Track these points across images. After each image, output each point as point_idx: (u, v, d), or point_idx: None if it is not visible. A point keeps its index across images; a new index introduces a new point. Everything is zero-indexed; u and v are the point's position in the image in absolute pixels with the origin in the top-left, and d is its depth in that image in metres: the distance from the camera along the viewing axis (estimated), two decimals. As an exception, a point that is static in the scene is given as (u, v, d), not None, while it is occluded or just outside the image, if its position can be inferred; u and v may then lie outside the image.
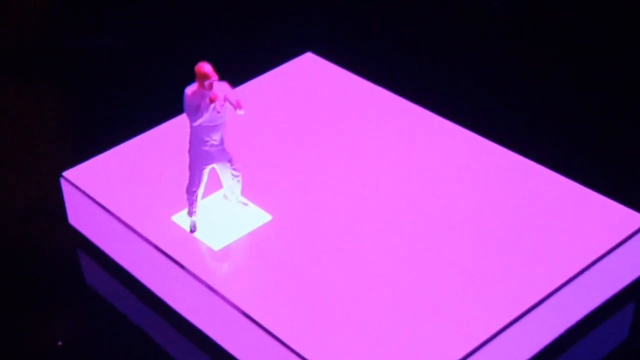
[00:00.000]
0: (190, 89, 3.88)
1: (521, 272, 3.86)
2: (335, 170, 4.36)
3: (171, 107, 4.50)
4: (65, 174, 4.44)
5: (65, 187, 4.46)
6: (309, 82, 4.80)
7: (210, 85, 3.85)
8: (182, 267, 3.98)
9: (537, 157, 4.34)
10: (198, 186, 4.04)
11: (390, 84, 4.70)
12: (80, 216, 4.48)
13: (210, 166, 4.03)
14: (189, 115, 3.88)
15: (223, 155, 4.03)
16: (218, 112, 3.86)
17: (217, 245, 4.02)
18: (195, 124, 3.89)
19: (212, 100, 3.84)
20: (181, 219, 4.13)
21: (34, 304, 4.19)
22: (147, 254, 4.10)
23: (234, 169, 4.06)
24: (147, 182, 4.33)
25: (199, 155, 3.99)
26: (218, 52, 5.12)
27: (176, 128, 4.57)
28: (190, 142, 4.00)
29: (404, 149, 4.43)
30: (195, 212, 4.10)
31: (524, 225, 4.07)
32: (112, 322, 4.12)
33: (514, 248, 3.96)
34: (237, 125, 4.28)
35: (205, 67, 3.85)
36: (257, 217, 4.13)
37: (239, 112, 3.89)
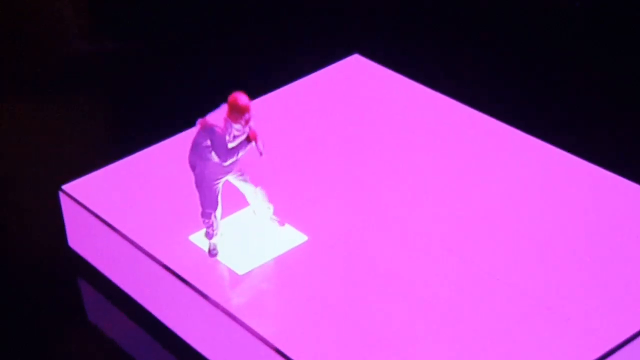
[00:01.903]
0: (219, 124, 3.53)
1: (607, 305, 3.48)
2: (386, 182, 4.07)
3: (184, 116, 4.15)
4: (65, 187, 4.14)
5: (64, 203, 4.15)
6: (356, 84, 4.61)
7: (247, 121, 3.52)
8: (201, 293, 3.64)
9: (620, 171, 4.05)
10: (215, 206, 3.69)
11: (442, 86, 4.56)
12: (81, 237, 4.17)
13: (222, 180, 3.68)
14: (220, 155, 3.55)
15: (236, 168, 3.69)
16: (261, 154, 3.58)
17: (241, 269, 3.69)
18: (227, 163, 3.57)
19: (250, 139, 3.56)
20: (200, 239, 3.83)
21: (25, 346, 3.90)
22: (159, 279, 3.79)
23: (245, 179, 3.74)
24: (158, 197, 4.06)
25: (207, 173, 3.65)
26: (260, 56, 5.14)
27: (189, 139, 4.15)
28: (195, 158, 3.64)
29: (464, 157, 4.16)
30: (215, 234, 3.76)
31: (607, 246, 3.71)
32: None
33: (596, 273, 3.61)
34: (276, 131, 4.08)
35: (243, 99, 3.50)
36: (290, 237, 3.80)
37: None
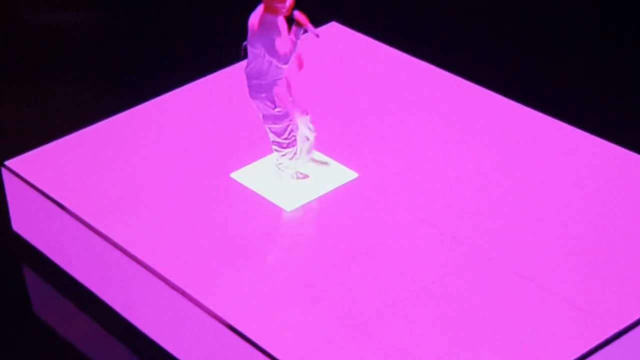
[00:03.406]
0: (263, 19, 3.36)
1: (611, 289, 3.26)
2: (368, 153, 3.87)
3: (137, 91, 4.19)
4: (8, 163, 3.90)
5: (7, 181, 3.91)
6: (336, 52, 4.45)
7: (291, 6, 3.34)
8: (162, 278, 3.36)
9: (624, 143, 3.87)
10: (296, 131, 3.57)
11: (422, 54, 4.45)
12: (26, 219, 3.93)
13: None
14: (277, 53, 3.35)
15: (294, 107, 3.56)
16: (317, 36, 3.36)
17: (289, 206, 3.59)
18: (287, 65, 3.38)
19: (300, 24, 3.34)
20: (243, 175, 3.72)
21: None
22: (114, 263, 3.53)
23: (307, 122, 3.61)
24: (110, 174, 3.82)
25: (282, 99, 3.50)
26: (231, 26, 4.74)
27: (146, 113, 4.13)
28: (265, 90, 3.47)
29: (451, 125, 3.98)
30: (297, 156, 3.63)
31: (613, 225, 3.48)
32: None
33: (598, 254, 3.38)
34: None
35: None
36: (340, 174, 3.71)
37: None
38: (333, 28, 4.59)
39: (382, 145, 3.84)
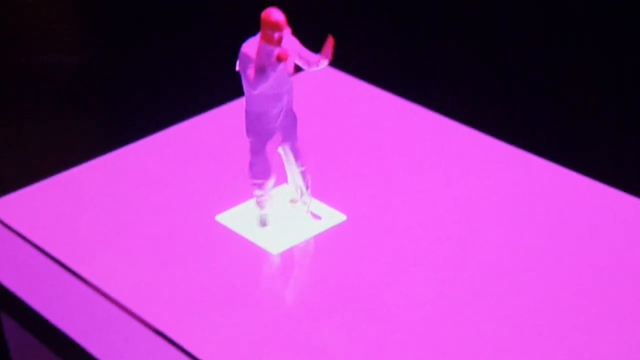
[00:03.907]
0: (249, 45, 3.34)
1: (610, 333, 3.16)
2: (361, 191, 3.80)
3: (121, 133, 4.21)
4: None
5: None
6: (327, 94, 4.43)
7: (280, 40, 3.29)
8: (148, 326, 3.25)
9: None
10: (269, 173, 3.50)
11: (409, 93, 4.42)
12: (6, 265, 3.74)
13: (276, 147, 3.50)
14: (247, 80, 3.35)
15: (290, 133, 3.50)
16: (290, 75, 3.35)
17: (276, 249, 3.51)
18: (257, 91, 3.35)
19: (281, 59, 3.28)
20: (228, 218, 3.63)
21: None
22: (101, 312, 3.38)
23: (301, 154, 3.54)
24: (89, 217, 3.72)
25: (263, 134, 3.45)
26: (216, 69, 4.91)
27: (130, 155, 4.07)
28: (247, 119, 3.46)
29: (449, 170, 3.92)
30: (266, 203, 3.57)
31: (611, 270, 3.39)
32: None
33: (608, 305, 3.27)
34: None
35: (276, 14, 3.30)
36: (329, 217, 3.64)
37: (322, 63, 3.39)
38: (325, 71, 4.55)
39: (371, 188, 3.76)
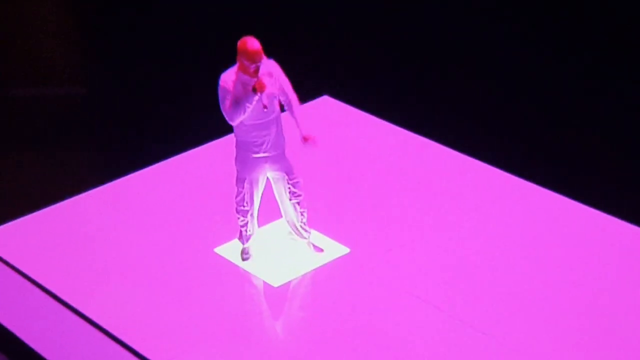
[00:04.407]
0: (226, 76, 3.26)
1: None
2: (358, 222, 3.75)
3: (117, 165, 4.14)
4: None
5: None
6: (328, 125, 4.39)
7: (257, 70, 3.21)
8: None
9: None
10: (251, 203, 3.42)
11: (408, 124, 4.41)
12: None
13: (263, 177, 3.41)
14: (225, 112, 3.26)
15: (278, 163, 3.39)
16: (265, 108, 3.25)
17: (276, 282, 3.44)
18: (235, 122, 3.28)
19: (256, 90, 3.21)
20: (227, 250, 3.56)
21: None
22: (98, 346, 3.31)
23: (292, 184, 3.41)
24: (91, 251, 3.66)
25: (247, 164, 3.37)
26: (210, 101, 4.59)
27: (127, 187, 4.04)
28: (235, 148, 3.40)
29: (452, 202, 3.87)
30: (249, 237, 3.49)
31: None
32: None
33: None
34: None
35: (253, 44, 3.20)
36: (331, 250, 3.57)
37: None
38: (325, 101, 4.53)
39: (374, 220, 3.70)
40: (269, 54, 3.36)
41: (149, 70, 5.35)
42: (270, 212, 3.61)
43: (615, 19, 5.49)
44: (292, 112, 3.33)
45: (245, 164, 3.35)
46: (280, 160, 3.36)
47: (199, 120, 4.64)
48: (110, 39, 5.65)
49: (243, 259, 3.47)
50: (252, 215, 3.42)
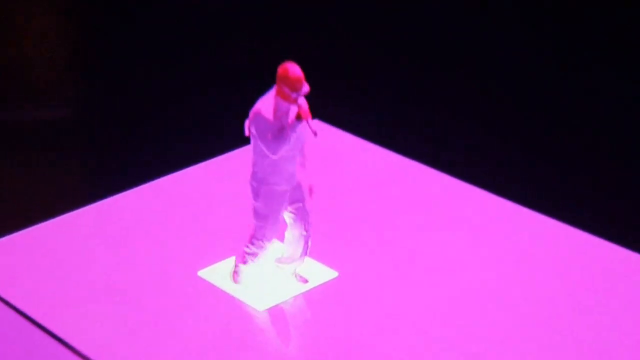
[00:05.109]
0: (263, 105, 3.11)
1: None
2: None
3: (100, 186, 4.08)
4: None
5: None
6: (319, 149, 4.23)
7: (298, 97, 3.08)
8: None
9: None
10: (271, 238, 3.28)
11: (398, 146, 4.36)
12: None
13: (287, 211, 3.28)
14: (267, 144, 3.10)
15: (299, 194, 3.26)
16: (315, 135, 3.10)
17: (261, 306, 3.36)
18: (278, 154, 3.11)
19: (300, 118, 3.08)
20: (211, 273, 3.48)
21: None
22: None
23: (304, 227, 3.30)
24: (72, 274, 3.58)
25: (274, 199, 3.20)
26: (200, 123, 4.80)
27: (110, 209, 3.96)
28: (256, 183, 3.22)
29: (443, 226, 3.84)
30: (252, 262, 3.35)
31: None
32: None
33: None
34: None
35: (295, 71, 3.06)
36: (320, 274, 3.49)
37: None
38: (316, 125, 4.44)
39: (364, 244, 3.65)
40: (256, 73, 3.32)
41: (132, 91, 5.33)
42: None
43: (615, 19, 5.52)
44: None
45: (272, 199, 3.20)
46: (299, 191, 3.25)
47: (181, 144, 4.61)
48: (92, 61, 5.64)
49: (235, 281, 3.37)
50: (268, 246, 3.29)
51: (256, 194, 3.22)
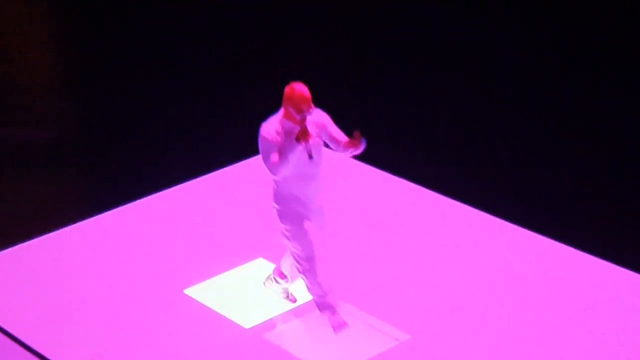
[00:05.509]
0: (268, 126, 3.02)
1: None
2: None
3: (87, 204, 4.10)
4: None
5: None
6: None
7: (303, 119, 2.97)
8: None
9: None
10: (312, 247, 3.08)
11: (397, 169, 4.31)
12: None
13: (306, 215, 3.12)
14: (268, 165, 3.01)
15: (319, 216, 3.14)
16: (310, 157, 2.99)
17: (248, 323, 3.34)
18: (278, 176, 3.01)
19: (301, 139, 2.97)
20: (197, 292, 3.47)
21: None
22: None
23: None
24: (56, 292, 3.57)
25: (296, 219, 3.09)
26: (193, 141, 4.77)
27: (96, 227, 3.95)
28: (279, 204, 3.12)
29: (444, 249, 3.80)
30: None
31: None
32: None
33: None
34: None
35: (300, 89, 2.98)
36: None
37: (350, 151, 3.04)
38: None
39: (358, 264, 3.62)
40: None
41: (123, 107, 5.33)
42: (245, 252, 3.57)
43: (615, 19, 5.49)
44: (343, 146, 3.09)
45: (295, 221, 3.09)
46: (320, 213, 3.15)
47: (168, 162, 4.61)
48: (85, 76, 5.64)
49: (292, 300, 3.34)
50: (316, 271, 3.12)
51: (281, 216, 3.13)
